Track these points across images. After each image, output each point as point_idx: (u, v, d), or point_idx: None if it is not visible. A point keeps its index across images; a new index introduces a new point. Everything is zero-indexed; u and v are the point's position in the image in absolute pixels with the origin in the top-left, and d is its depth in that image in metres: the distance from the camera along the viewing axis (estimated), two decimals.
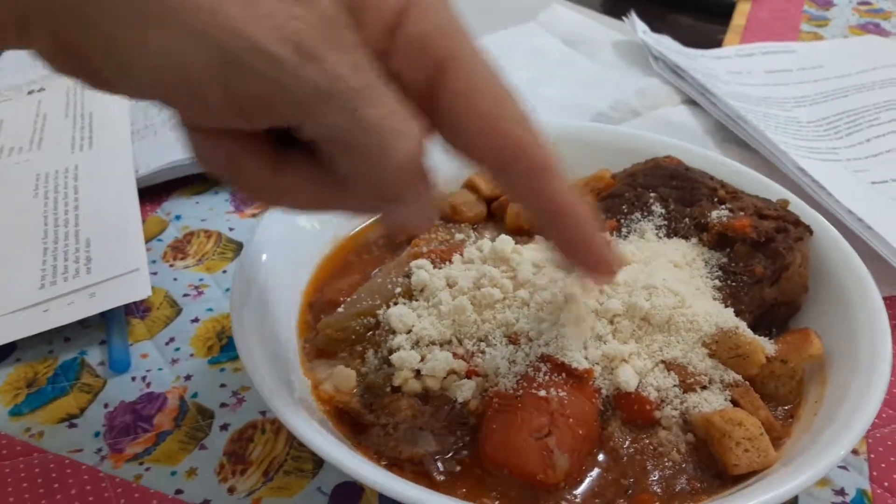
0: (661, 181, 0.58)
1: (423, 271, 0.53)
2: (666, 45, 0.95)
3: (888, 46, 1.01)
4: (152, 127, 0.79)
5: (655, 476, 0.43)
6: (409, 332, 0.50)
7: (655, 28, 0.99)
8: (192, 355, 0.56)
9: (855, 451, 0.50)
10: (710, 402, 0.45)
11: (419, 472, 0.43)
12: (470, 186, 0.65)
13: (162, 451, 0.49)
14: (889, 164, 0.75)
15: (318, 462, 0.48)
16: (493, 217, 0.64)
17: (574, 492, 0.43)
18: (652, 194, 0.58)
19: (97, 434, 0.50)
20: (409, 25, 0.31)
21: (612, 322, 0.48)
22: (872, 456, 0.50)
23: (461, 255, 0.55)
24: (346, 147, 0.31)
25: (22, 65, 0.97)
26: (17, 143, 0.77)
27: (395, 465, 0.43)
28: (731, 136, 0.79)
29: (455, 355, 0.48)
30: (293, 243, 0.56)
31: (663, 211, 0.56)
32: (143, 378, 0.54)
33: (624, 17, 1.00)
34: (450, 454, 0.44)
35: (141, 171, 0.71)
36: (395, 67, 0.31)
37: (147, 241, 0.66)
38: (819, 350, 0.48)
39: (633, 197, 0.58)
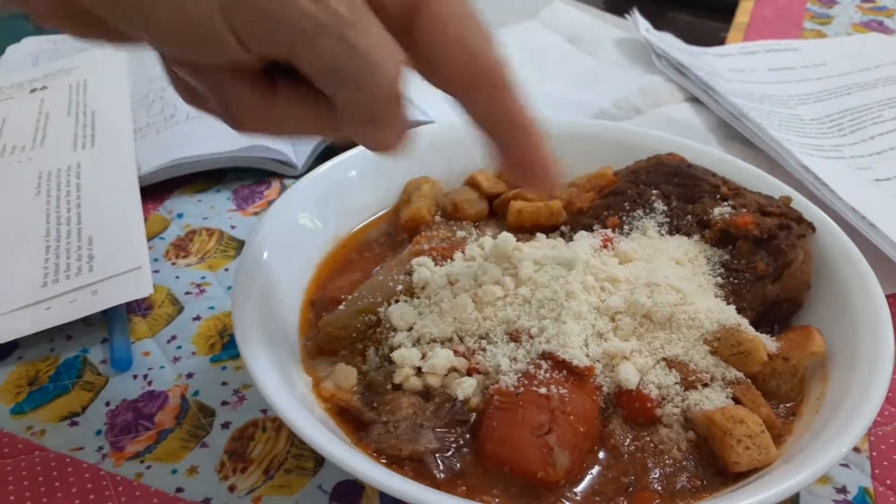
0: (664, 178, 0.58)
1: (424, 269, 0.53)
2: (668, 42, 0.94)
3: (891, 44, 1.01)
4: (154, 125, 0.79)
5: (656, 474, 0.43)
6: (410, 329, 0.50)
7: (658, 26, 0.99)
8: (193, 353, 0.56)
9: (857, 449, 0.50)
10: (712, 400, 0.45)
11: (420, 470, 0.43)
12: (472, 184, 0.65)
13: (163, 450, 0.49)
14: (892, 162, 0.75)
15: (319, 460, 0.48)
16: (495, 214, 0.64)
17: (574, 489, 0.43)
18: (654, 191, 0.57)
19: (98, 432, 0.50)
20: None
21: (613, 319, 0.48)
22: (874, 454, 0.50)
23: (463, 252, 0.55)
24: (340, 75, 0.33)
25: (25, 63, 0.97)
26: (20, 141, 0.77)
27: (396, 462, 0.43)
28: (734, 133, 0.79)
29: (456, 353, 0.48)
30: (294, 241, 0.56)
31: (665, 208, 0.56)
32: (145, 376, 0.54)
33: (626, 15, 1.00)
34: (450, 452, 0.44)
35: (143, 169, 0.71)
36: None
37: (149, 239, 0.66)
38: (821, 347, 0.48)
39: (635, 194, 0.58)
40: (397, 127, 0.37)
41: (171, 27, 0.31)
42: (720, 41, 1.03)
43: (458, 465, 0.44)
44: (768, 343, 0.48)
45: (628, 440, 0.44)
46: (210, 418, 0.51)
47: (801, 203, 0.57)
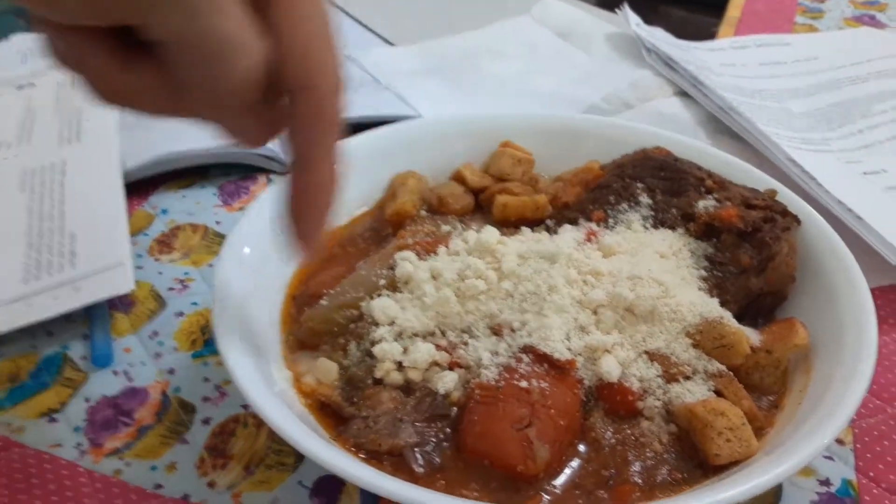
0: (649, 172, 0.58)
1: (407, 263, 0.53)
2: (659, 37, 0.94)
3: (883, 38, 1.01)
4: (140, 121, 0.79)
5: (637, 467, 0.43)
6: (391, 323, 0.49)
7: (650, 20, 0.98)
8: (175, 349, 0.55)
9: (841, 441, 0.49)
10: (693, 393, 0.44)
11: (399, 465, 0.43)
12: (457, 178, 0.65)
13: (142, 446, 0.49)
14: (881, 155, 0.74)
15: (300, 456, 0.48)
16: (481, 209, 0.63)
17: (554, 483, 0.42)
18: (639, 185, 0.57)
19: (77, 429, 0.50)
20: None
21: (595, 313, 0.48)
22: (858, 446, 0.49)
23: (447, 246, 0.54)
24: (184, 52, 0.31)
25: (13, 60, 0.96)
26: (6, 138, 0.77)
27: (375, 457, 0.43)
28: (723, 127, 0.79)
29: (438, 347, 0.48)
30: (277, 237, 0.55)
31: (650, 202, 0.56)
32: (126, 372, 0.53)
33: (617, 10, 1.00)
34: (430, 446, 0.44)
35: (128, 164, 0.71)
36: None
37: (133, 234, 0.65)
38: (804, 340, 0.47)
39: (620, 188, 0.58)
40: (256, 121, 0.35)
41: None
42: (711, 36, 1.02)
43: (438, 459, 0.43)
44: (751, 336, 0.48)
45: (609, 433, 0.44)
46: (191, 414, 0.51)
47: (786, 196, 0.56)
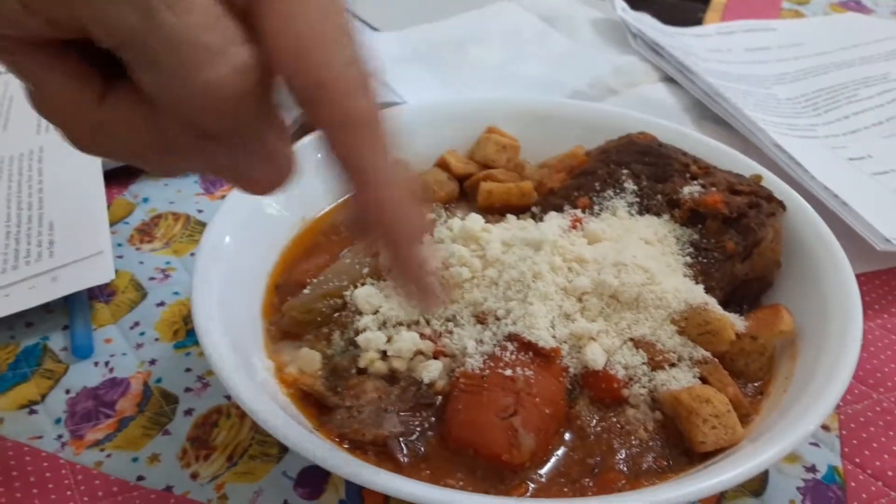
0: (634, 157, 0.57)
1: None
2: (645, 22, 0.93)
3: (868, 23, 1.01)
4: None
5: (622, 455, 0.42)
6: (375, 312, 0.49)
7: (637, 6, 0.97)
8: (157, 340, 0.55)
9: (826, 428, 0.50)
10: (679, 380, 0.44)
11: (383, 455, 0.42)
12: (442, 165, 0.64)
13: (124, 437, 0.48)
14: (866, 141, 0.74)
15: (284, 446, 0.47)
16: (466, 196, 0.63)
17: (539, 471, 0.42)
18: (624, 171, 0.57)
19: (58, 420, 0.49)
20: None
21: (580, 300, 0.47)
22: (844, 432, 0.49)
23: (431, 234, 0.54)
24: (142, 58, 0.26)
25: None
26: None
27: (359, 447, 0.43)
28: (709, 113, 0.78)
29: (422, 336, 0.47)
30: (259, 225, 0.55)
31: (635, 188, 0.55)
32: (107, 363, 0.53)
33: None
34: (415, 436, 0.43)
35: None
36: None
37: (113, 223, 0.64)
38: (789, 326, 0.47)
39: (605, 174, 0.57)
40: (255, 154, 0.30)
41: None
42: (697, 21, 1.02)
43: (423, 448, 0.43)
44: (736, 322, 0.47)
45: (594, 421, 0.44)
46: (173, 405, 0.50)
47: (771, 181, 0.56)
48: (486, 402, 0.43)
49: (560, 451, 0.43)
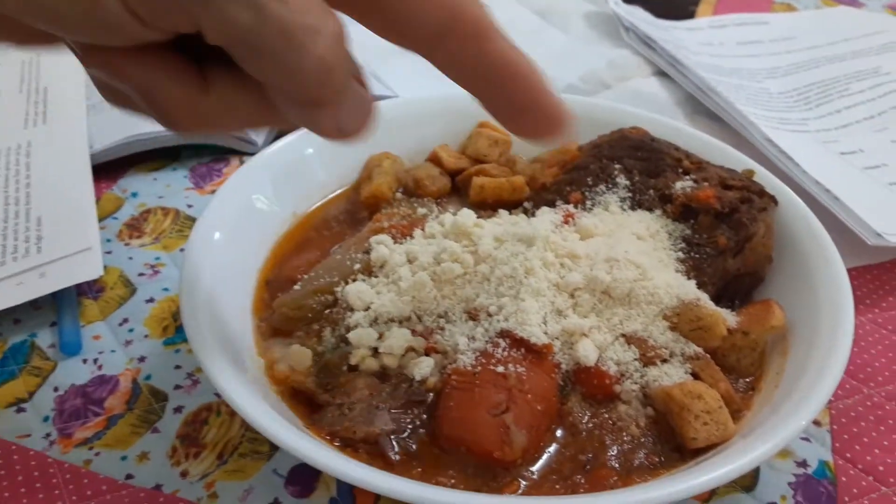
0: (626, 152, 0.57)
1: (382, 247, 0.52)
2: (637, 16, 0.93)
3: (860, 17, 1.01)
4: None
5: (614, 451, 0.42)
6: (367, 309, 0.49)
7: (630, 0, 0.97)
8: (146, 336, 0.54)
9: (817, 423, 0.50)
10: (671, 376, 0.44)
11: (374, 453, 0.42)
12: (434, 160, 0.64)
13: (112, 436, 0.48)
14: (858, 135, 0.74)
15: (274, 444, 0.47)
16: (458, 191, 0.62)
17: (531, 468, 0.42)
18: (617, 166, 0.56)
19: (46, 419, 0.49)
20: None
21: (572, 296, 0.47)
22: (835, 427, 0.50)
23: (422, 229, 0.54)
24: (254, 49, 0.28)
25: None
26: None
27: (350, 445, 0.42)
28: (702, 107, 0.78)
29: (414, 332, 0.47)
30: (249, 221, 0.54)
31: (628, 183, 0.55)
32: (95, 360, 0.52)
33: None
34: (406, 433, 0.43)
35: (96, 146, 0.69)
36: None
37: (102, 219, 0.64)
38: (781, 321, 0.47)
39: (597, 169, 0.57)
40: (349, 107, 0.32)
41: (53, 6, 0.27)
42: (690, 15, 1.01)
43: (414, 446, 0.43)
44: (728, 317, 0.47)
45: (586, 417, 0.44)
46: (162, 403, 0.50)
47: (763, 176, 0.56)
48: (478, 398, 0.42)
49: (552, 448, 0.43)
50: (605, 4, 0.95)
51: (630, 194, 0.55)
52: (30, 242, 0.58)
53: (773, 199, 0.53)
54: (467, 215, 0.53)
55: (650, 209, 0.53)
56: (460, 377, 0.44)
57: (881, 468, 0.47)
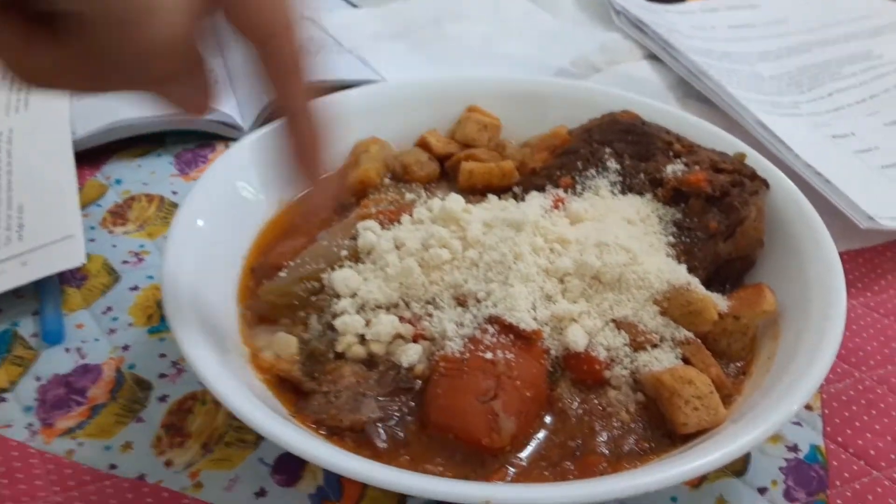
0: (617, 136, 0.57)
1: (370, 233, 0.51)
2: None
3: (852, 0, 1.00)
4: None
5: (604, 437, 0.42)
6: (353, 295, 0.48)
7: None
8: (130, 325, 0.53)
9: (809, 407, 0.49)
10: (661, 361, 0.44)
11: (361, 441, 0.42)
12: (422, 145, 0.63)
13: (96, 425, 0.47)
14: (850, 118, 0.74)
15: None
16: (447, 176, 0.62)
17: (520, 455, 0.41)
18: (607, 150, 0.56)
19: (28, 409, 0.48)
20: None
21: (562, 281, 0.47)
22: (826, 411, 0.49)
23: (410, 215, 0.53)
24: (96, 19, 0.28)
25: None
26: None
27: (336, 433, 0.42)
28: (693, 91, 0.78)
29: (402, 319, 0.47)
30: (233, 207, 0.54)
31: (618, 166, 0.55)
32: (78, 349, 0.51)
33: None
34: (393, 421, 0.43)
35: (79, 132, 0.68)
36: None
37: (85, 206, 0.63)
38: (772, 306, 0.47)
39: (588, 153, 0.56)
40: (191, 84, 0.33)
41: None
42: None
43: (402, 433, 0.42)
44: (719, 302, 0.47)
45: (576, 403, 0.43)
46: (146, 392, 0.49)
47: (755, 159, 0.55)
48: (466, 385, 0.42)
49: (541, 435, 0.43)
50: None
51: (621, 178, 0.54)
52: (11, 230, 0.57)
53: (765, 183, 0.52)
54: (456, 201, 0.52)
55: (641, 193, 0.53)
56: (448, 364, 0.43)
57: (872, 452, 0.47)
